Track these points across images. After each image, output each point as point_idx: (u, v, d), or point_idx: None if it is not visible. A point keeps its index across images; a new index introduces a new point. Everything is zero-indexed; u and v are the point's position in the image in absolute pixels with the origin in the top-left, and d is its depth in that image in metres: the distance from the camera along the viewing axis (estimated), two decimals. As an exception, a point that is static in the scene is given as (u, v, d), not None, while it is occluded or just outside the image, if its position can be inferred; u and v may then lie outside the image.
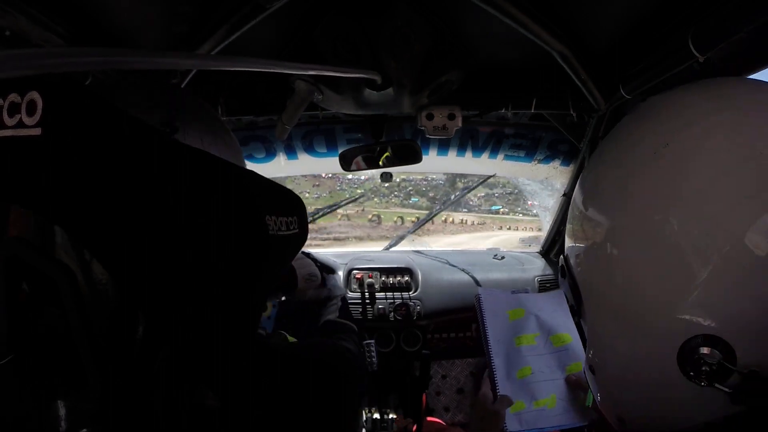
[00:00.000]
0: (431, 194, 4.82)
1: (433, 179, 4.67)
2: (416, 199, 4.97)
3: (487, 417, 0.82)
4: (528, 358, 0.98)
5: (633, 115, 0.53)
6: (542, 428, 0.89)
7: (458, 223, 4.81)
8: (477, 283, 1.48)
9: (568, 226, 0.58)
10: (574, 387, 0.92)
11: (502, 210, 4.91)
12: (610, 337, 0.49)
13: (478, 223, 4.85)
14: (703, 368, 0.38)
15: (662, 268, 0.41)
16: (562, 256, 0.58)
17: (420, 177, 4.68)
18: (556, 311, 1.05)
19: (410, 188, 4.96)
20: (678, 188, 0.41)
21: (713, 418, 0.39)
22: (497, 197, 4.89)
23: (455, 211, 4.69)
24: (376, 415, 1.31)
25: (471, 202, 4.86)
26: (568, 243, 0.57)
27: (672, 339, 0.40)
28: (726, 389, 0.37)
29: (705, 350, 0.38)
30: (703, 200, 0.39)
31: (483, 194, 4.84)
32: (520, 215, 4.73)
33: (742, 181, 0.38)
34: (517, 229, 4.63)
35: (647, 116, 0.49)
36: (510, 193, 4.69)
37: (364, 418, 1.30)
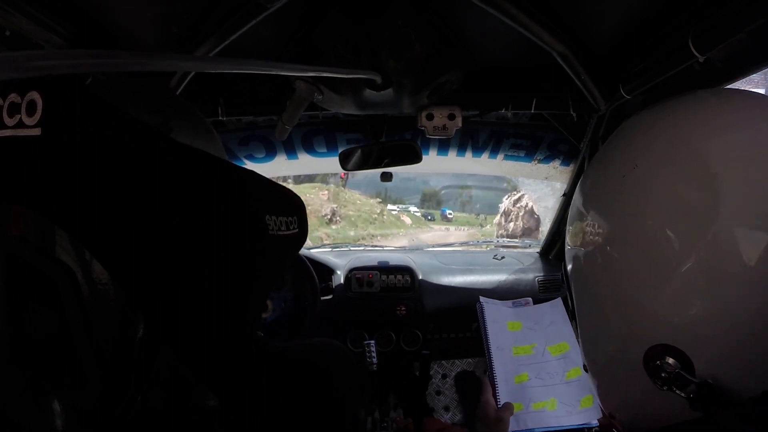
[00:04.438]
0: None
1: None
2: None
3: (492, 424, 0.84)
4: (524, 366, 1.00)
5: (622, 131, 0.55)
6: (544, 428, 0.90)
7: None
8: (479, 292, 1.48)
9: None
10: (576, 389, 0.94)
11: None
12: (593, 339, 0.52)
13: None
14: (662, 374, 0.40)
15: (628, 280, 0.44)
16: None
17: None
18: (553, 322, 1.07)
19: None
20: (643, 205, 0.43)
21: (686, 419, 0.41)
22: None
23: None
24: (376, 415, 1.31)
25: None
26: (566, 246, 0.59)
27: (638, 346, 0.42)
28: (683, 395, 0.39)
29: (666, 359, 0.40)
30: (663, 218, 0.41)
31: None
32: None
33: (699, 201, 0.40)
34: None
35: (628, 135, 0.53)
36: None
37: (365, 418, 1.30)
